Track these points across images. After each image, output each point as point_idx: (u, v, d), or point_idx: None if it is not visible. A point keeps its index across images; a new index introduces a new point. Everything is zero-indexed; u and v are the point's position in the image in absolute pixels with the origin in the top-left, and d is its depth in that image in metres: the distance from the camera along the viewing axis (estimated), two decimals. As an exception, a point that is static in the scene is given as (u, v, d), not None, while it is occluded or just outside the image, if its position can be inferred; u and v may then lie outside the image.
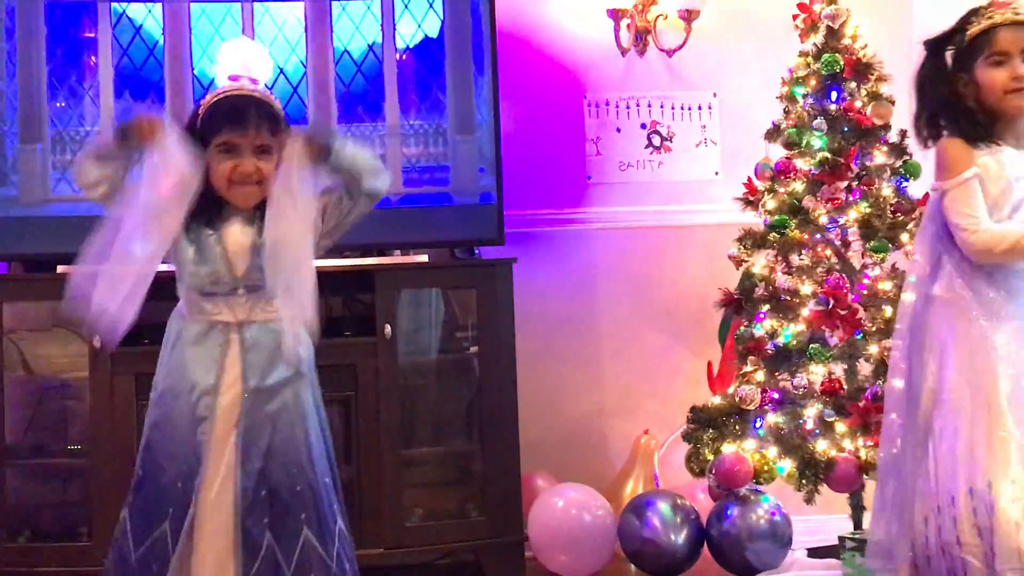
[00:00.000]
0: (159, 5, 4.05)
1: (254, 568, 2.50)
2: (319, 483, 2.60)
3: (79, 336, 3.85)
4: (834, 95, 4.03)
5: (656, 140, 4.64)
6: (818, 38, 4.07)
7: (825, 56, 4.01)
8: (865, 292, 3.89)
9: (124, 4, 4.04)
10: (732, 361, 4.07)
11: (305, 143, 2.57)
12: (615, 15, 4.52)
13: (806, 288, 3.92)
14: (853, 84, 4.02)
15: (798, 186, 4.01)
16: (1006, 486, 2.47)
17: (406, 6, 4.15)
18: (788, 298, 3.94)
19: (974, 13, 2.67)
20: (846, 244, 4.01)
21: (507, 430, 4.02)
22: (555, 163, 4.59)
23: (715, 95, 4.64)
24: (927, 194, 3.01)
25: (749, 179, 4.15)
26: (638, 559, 4.02)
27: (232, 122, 2.59)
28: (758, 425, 3.90)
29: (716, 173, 4.63)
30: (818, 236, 3.98)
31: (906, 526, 2.63)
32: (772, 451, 3.87)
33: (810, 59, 4.06)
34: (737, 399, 3.91)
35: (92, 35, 4.04)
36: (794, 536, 3.95)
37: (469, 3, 4.16)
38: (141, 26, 4.05)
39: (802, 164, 4.02)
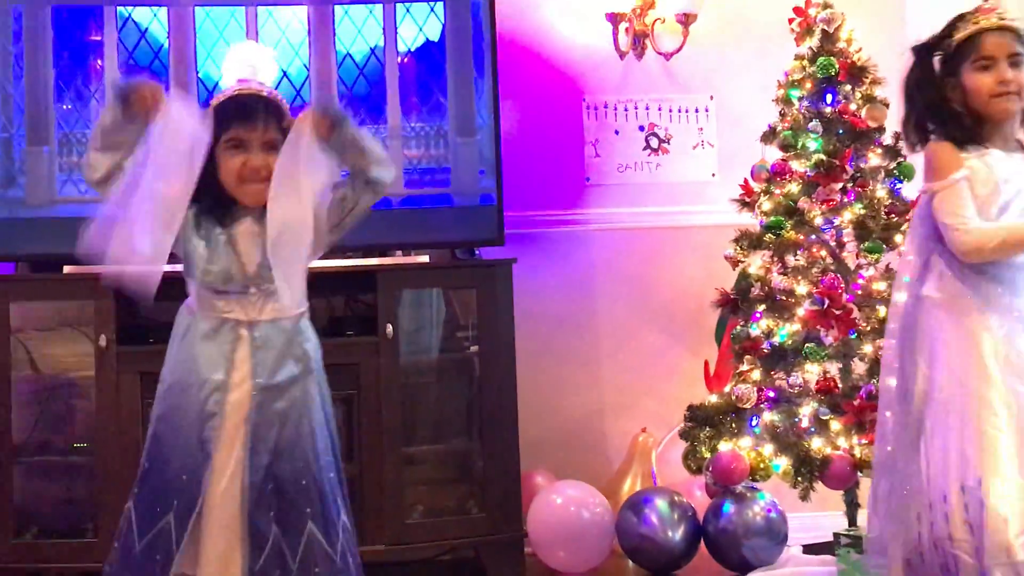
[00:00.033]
0: (164, 9, 4.05)
1: (260, 561, 2.50)
2: (324, 478, 2.59)
3: (86, 335, 3.88)
4: (829, 98, 4.04)
5: (654, 142, 4.65)
6: (813, 42, 4.08)
7: (820, 60, 4.03)
8: (859, 292, 3.90)
9: (130, 8, 4.05)
10: (728, 360, 4.08)
11: (316, 112, 2.53)
12: (613, 19, 4.53)
13: (801, 288, 3.93)
14: (848, 87, 4.04)
15: (794, 188, 4.02)
16: (996, 483, 2.48)
17: (408, 10, 4.16)
18: (784, 298, 3.95)
19: (960, 19, 2.69)
20: (841, 245, 4.01)
21: (507, 428, 4.02)
22: (554, 165, 4.60)
23: (712, 98, 4.66)
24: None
25: (745, 181, 4.16)
26: (636, 555, 4.03)
27: (241, 118, 2.57)
28: (754, 423, 3.91)
29: (713, 175, 4.65)
30: (813, 237, 3.99)
31: (900, 523, 2.65)
32: (768, 449, 3.88)
33: (806, 62, 4.08)
34: (733, 398, 3.92)
35: (98, 38, 4.05)
36: (790, 532, 3.96)
37: (470, 7, 4.17)
38: (146, 30, 4.06)
39: (798, 166, 4.04)
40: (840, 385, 3.88)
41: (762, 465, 3.86)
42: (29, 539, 3.83)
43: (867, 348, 3.86)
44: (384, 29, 4.16)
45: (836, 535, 3.79)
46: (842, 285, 3.89)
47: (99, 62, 4.04)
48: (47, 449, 3.97)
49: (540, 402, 4.38)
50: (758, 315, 3.99)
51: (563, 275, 4.57)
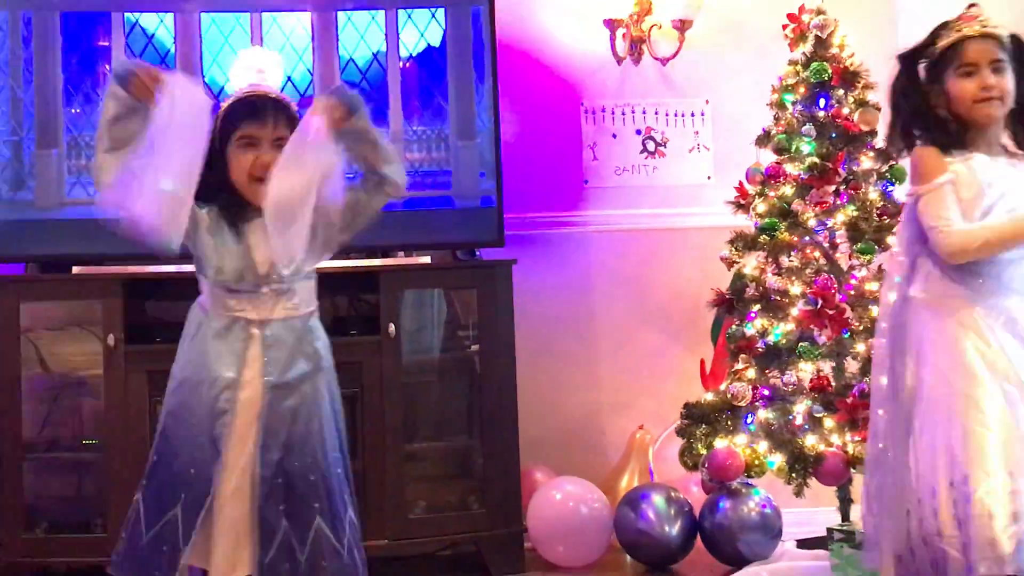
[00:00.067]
0: (171, 15, 4.09)
1: (270, 554, 2.51)
2: (332, 474, 2.59)
3: (94, 335, 3.92)
4: (822, 102, 4.05)
5: (651, 146, 4.67)
6: (807, 47, 4.09)
7: (814, 65, 4.05)
8: (852, 292, 3.91)
9: (137, 14, 4.08)
10: (724, 359, 4.10)
11: (332, 98, 2.54)
12: (611, 25, 4.55)
13: (795, 288, 3.95)
14: (841, 91, 4.05)
15: (788, 190, 4.03)
16: (982, 478, 2.49)
17: (409, 16, 4.19)
18: (778, 298, 3.96)
19: (944, 27, 2.70)
20: (834, 246, 4.03)
21: (507, 426, 4.05)
22: (553, 168, 4.62)
23: (708, 102, 4.68)
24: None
25: (740, 183, 4.18)
26: (633, 550, 4.06)
27: (251, 115, 2.59)
28: (749, 421, 3.92)
29: (709, 177, 4.67)
30: (807, 238, 4.01)
31: (892, 519, 2.66)
32: (763, 446, 3.89)
33: (799, 67, 4.09)
34: (729, 396, 3.93)
35: (106, 44, 4.08)
36: (784, 528, 3.99)
37: (470, 14, 4.19)
38: (153, 35, 4.10)
39: (791, 169, 4.05)
40: (833, 383, 3.89)
41: (757, 462, 3.87)
42: (39, 534, 3.87)
43: (860, 347, 3.87)
44: (386, 35, 4.19)
45: (829, 530, 3.79)
46: (835, 285, 3.91)
47: (107, 67, 4.07)
48: (56, 446, 4.00)
49: (539, 400, 4.39)
50: (753, 315, 4.01)
51: (562, 276, 4.59)
